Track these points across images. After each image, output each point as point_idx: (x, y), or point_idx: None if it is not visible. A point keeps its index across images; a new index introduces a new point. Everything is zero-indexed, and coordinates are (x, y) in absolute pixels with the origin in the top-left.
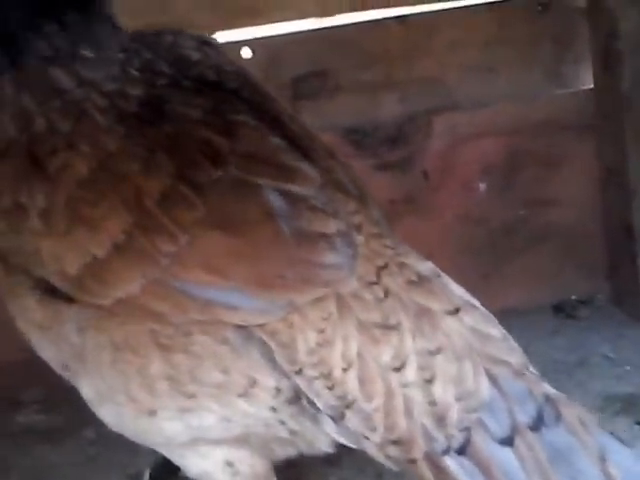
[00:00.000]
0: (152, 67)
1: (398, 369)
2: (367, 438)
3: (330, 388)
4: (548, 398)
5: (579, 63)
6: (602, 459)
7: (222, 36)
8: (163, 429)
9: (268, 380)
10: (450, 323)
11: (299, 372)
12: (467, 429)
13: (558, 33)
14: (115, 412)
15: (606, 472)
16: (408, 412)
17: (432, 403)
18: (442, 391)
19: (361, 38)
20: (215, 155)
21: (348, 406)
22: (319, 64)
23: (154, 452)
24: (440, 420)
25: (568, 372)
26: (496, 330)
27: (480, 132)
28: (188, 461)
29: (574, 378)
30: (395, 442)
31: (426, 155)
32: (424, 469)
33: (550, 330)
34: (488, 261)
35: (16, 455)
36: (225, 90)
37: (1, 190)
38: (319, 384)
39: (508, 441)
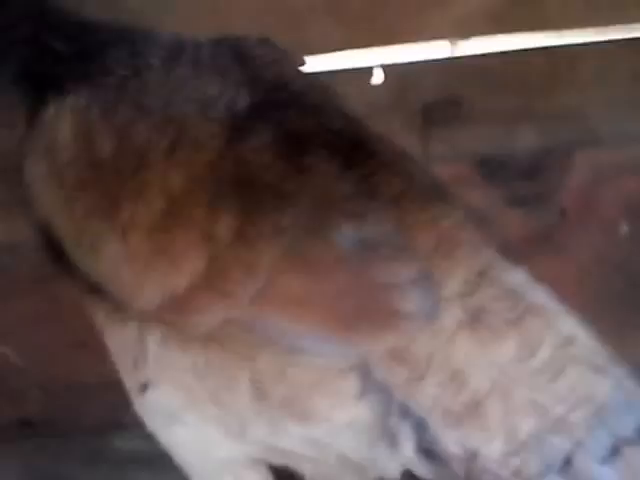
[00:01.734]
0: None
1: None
2: (473, 457)
3: (456, 393)
4: None
5: None
6: None
7: (353, 57)
8: (247, 448)
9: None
10: None
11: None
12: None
13: None
14: (196, 423)
15: None
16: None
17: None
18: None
19: (499, 64)
20: (283, 202)
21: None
22: (453, 91)
23: None
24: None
25: None
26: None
27: (624, 170)
28: None
29: None
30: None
31: (564, 191)
32: None
33: None
34: (625, 310)
35: None
36: (290, 93)
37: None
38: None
39: (609, 460)
